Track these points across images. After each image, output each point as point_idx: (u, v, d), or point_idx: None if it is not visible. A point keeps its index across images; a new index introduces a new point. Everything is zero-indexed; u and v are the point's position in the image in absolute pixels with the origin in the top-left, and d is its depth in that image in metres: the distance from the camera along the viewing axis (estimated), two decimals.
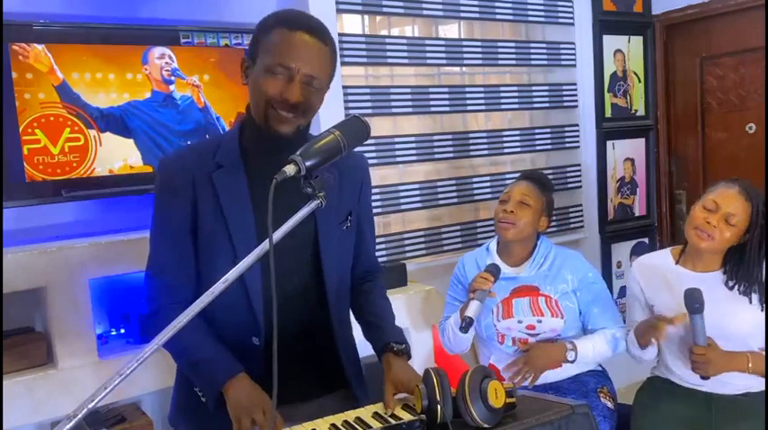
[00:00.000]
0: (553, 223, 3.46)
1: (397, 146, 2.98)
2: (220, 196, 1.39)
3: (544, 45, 3.46)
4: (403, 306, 2.66)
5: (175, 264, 1.42)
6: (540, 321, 2.21)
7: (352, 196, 1.54)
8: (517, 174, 3.30)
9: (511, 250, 2.31)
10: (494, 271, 2.12)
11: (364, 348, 1.58)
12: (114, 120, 2.33)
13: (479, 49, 3.21)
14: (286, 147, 1.29)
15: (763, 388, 2.06)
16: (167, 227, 1.43)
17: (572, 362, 2.16)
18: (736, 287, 2.07)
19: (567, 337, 2.23)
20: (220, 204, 1.39)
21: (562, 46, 3.52)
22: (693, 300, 1.96)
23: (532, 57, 3.41)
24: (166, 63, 2.41)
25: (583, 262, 2.33)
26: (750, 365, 2.01)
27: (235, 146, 1.44)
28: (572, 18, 3.53)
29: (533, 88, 3.42)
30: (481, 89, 3.23)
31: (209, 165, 1.41)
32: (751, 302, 2.05)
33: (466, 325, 2.04)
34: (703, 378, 2.02)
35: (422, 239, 3.08)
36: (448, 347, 2.38)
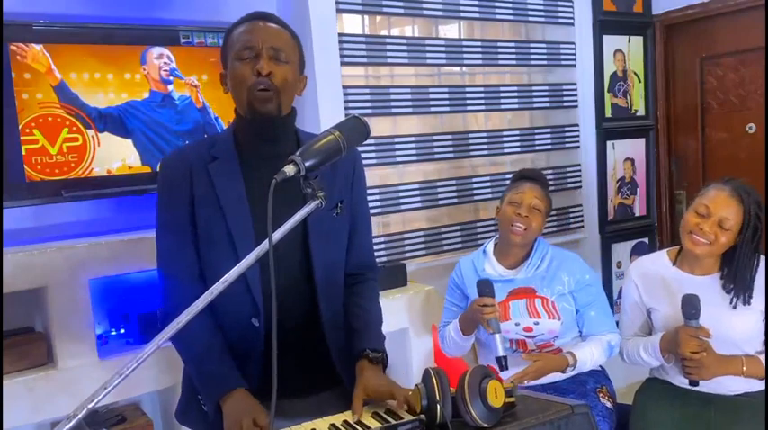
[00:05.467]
0: (553, 223, 3.47)
1: (397, 146, 2.98)
2: (216, 185, 1.45)
3: (544, 45, 3.46)
4: (403, 306, 2.66)
5: (184, 264, 1.46)
6: (537, 323, 2.20)
7: (343, 185, 1.55)
8: None
9: (510, 251, 2.30)
10: (488, 290, 2.09)
11: None
12: (112, 121, 2.33)
13: (479, 49, 3.21)
14: (273, 133, 1.46)
15: (761, 388, 2.06)
16: (171, 222, 1.48)
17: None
18: (733, 291, 2.05)
19: (564, 338, 2.23)
20: (216, 193, 1.44)
21: (562, 46, 3.52)
22: (691, 307, 1.95)
23: (532, 57, 3.41)
24: (165, 63, 2.40)
25: (580, 263, 2.32)
26: (744, 369, 2.01)
27: (229, 139, 1.51)
28: (572, 18, 3.52)
29: (533, 88, 3.42)
30: (481, 89, 3.23)
31: (205, 157, 1.48)
32: (746, 305, 2.03)
33: (505, 363, 2.03)
34: (692, 383, 2.02)
35: (422, 239, 3.08)
36: (448, 352, 2.37)
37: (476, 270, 2.32)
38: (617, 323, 2.32)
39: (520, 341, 2.24)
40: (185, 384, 1.58)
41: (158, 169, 1.55)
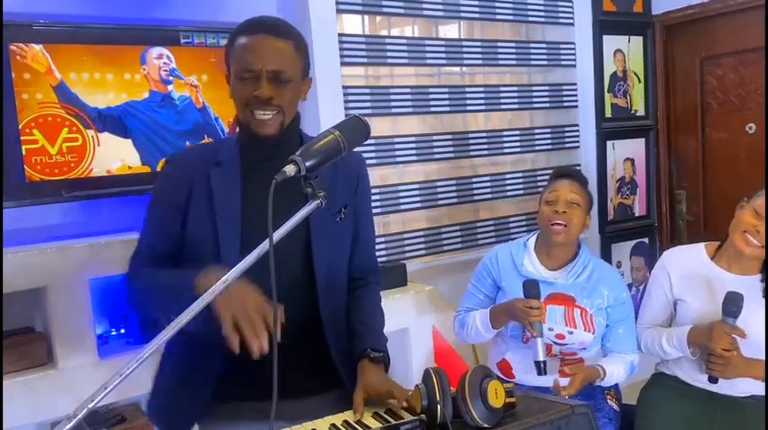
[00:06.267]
0: None
1: (397, 146, 2.98)
2: (214, 191, 1.45)
3: (544, 45, 3.46)
4: (403, 306, 2.66)
5: (157, 229, 1.50)
6: (571, 332, 2.15)
7: (347, 190, 1.55)
8: (518, 175, 3.35)
9: (553, 252, 2.24)
10: (535, 292, 2.05)
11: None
12: (112, 121, 2.33)
13: (479, 49, 3.20)
14: (275, 147, 1.44)
15: None
16: (159, 203, 1.52)
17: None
18: None
19: (590, 351, 2.21)
20: (213, 199, 1.45)
21: (562, 46, 3.52)
22: (733, 304, 1.92)
23: (532, 57, 3.41)
24: (165, 63, 2.40)
25: (620, 279, 2.29)
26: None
27: (234, 145, 1.51)
28: (572, 18, 3.52)
29: (533, 88, 3.42)
30: (481, 89, 3.23)
31: (209, 162, 1.49)
32: None
33: (544, 368, 2.01)
34: (711, 380, 2.00)
35: (422, 239, 3.08)
36: (464, 339, 2.32)
37: (514, 263, 2.25)
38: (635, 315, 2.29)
39: (547, 345, 2.17)
40: (160, 371, 1.59)
41: (163, 163, 1.59)
